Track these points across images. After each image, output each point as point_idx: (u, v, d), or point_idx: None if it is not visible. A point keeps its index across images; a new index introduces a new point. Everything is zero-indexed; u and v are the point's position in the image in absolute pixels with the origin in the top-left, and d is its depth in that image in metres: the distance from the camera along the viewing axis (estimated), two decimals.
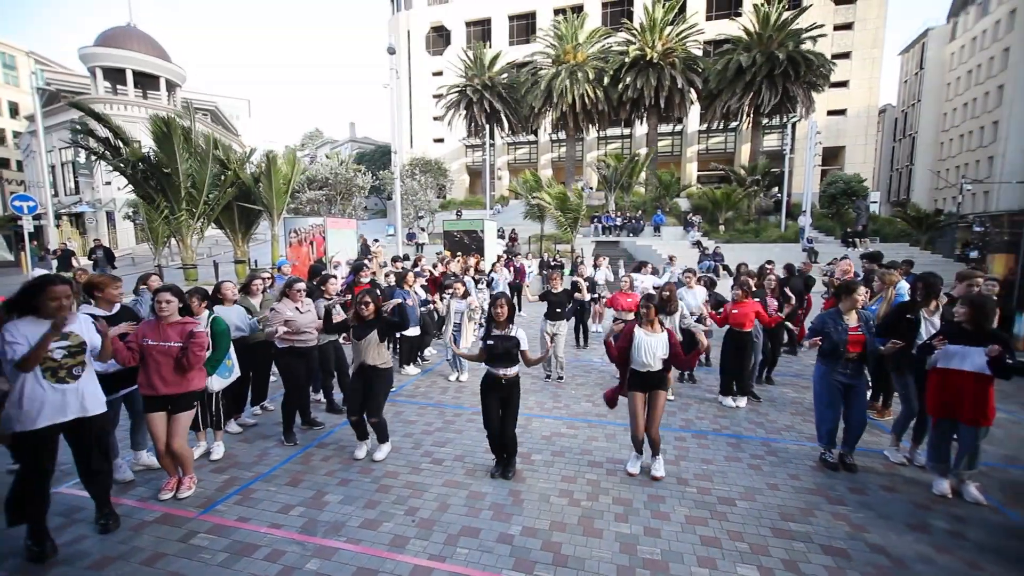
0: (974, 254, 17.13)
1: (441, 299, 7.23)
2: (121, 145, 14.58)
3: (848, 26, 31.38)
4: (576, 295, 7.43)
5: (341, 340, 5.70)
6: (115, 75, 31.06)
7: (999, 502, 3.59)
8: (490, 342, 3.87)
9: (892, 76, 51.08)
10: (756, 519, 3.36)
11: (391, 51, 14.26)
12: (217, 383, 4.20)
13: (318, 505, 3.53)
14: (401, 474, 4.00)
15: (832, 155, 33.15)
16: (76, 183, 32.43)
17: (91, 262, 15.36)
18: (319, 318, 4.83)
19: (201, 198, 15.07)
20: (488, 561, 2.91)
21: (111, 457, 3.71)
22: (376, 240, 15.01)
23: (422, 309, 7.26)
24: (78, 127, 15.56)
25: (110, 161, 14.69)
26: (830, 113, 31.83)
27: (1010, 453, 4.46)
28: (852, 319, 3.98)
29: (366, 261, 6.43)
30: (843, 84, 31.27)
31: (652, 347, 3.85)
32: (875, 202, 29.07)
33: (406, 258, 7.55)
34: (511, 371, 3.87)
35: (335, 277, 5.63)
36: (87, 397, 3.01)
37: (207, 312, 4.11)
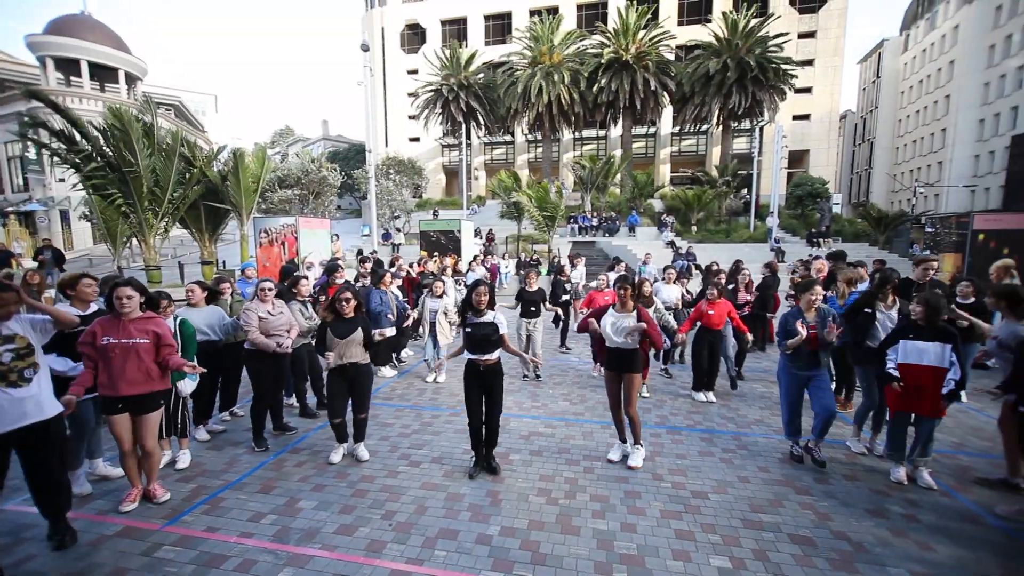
0: (927, 253, 18.10)
1: (416, 302, 7.20)
2: (79, 138, 13.80)
3: (811, 34, 32.71)
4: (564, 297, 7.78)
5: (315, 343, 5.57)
6: (68, 66, 29.40)
7: (949, 487, 3.81)
8: (468, 329, 3.89)
9: (853, 84, 53.48)
10: (728, 511, 3.46)
11: (365, 48, 14.01)
12: (188, 386, 4.07)
13: (291, 512, 3.44)
14: (378, 478, 3.94)
15: (797, 158, 34.47)
16: (25, 180, 30.59)
17: (37, 263, 14.44)
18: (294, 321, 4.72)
19: (166, 196, 14.45)
20: (467, 563, 2.90)
21: (73, 467, 3.54)
22: (336, 236, 14.66)
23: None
24: (27, 119, 14.68)
25: (63, 156, 13.89)
26: (795, 118, 33.10)
27: (959, 440, 4.73)
28: (811, 315, 4.14)
29: (336, 275, 6.22)
30: (807, 90, 32.57)
31: (621, 325, 3.98)
32: (837, 204, 30.40)
33: (373, 262, 7.29)
34: (492, 356, 3.90)
35: (307, 278, 5.50)
36: (44, 400, 2.87)
37: (173, 316, 3.97)
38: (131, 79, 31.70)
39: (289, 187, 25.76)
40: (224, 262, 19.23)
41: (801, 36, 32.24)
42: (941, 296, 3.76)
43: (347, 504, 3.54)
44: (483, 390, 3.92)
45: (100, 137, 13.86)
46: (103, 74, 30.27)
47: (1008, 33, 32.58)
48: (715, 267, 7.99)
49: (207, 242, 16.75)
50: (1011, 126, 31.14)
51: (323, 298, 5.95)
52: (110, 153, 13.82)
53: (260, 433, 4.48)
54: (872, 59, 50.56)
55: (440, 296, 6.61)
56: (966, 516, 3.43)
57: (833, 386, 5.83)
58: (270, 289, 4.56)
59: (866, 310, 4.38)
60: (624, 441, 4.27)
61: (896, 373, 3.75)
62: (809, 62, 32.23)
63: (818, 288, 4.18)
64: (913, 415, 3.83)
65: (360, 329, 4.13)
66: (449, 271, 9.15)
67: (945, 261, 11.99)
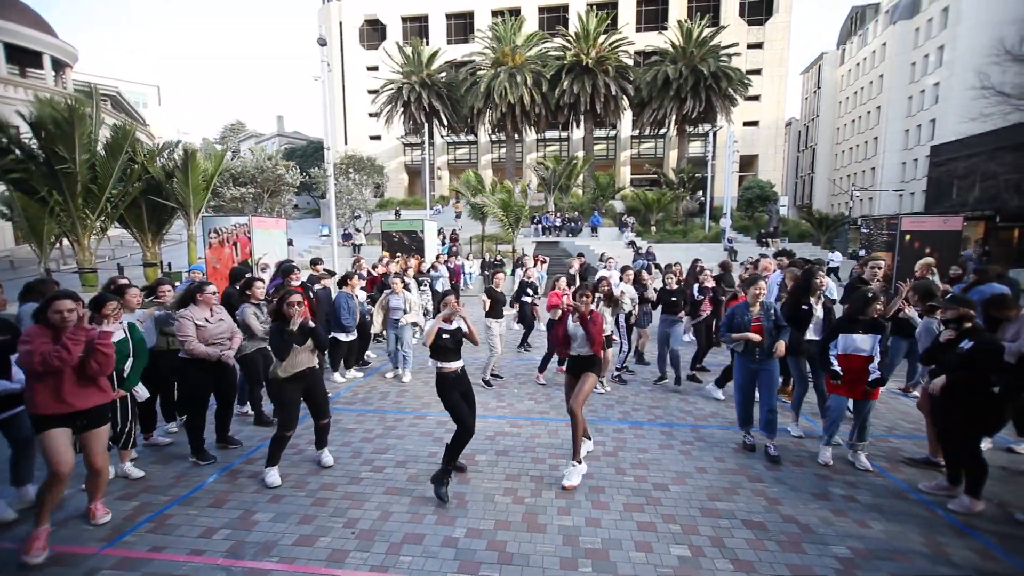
0: (862, 252, 19.51)
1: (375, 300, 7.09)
2: None
3: (759, 45, 34.55)
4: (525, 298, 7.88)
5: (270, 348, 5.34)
6: None
7: (882, 468, 4.13)
8: (445, 336, 3.81)
9: (797, 93, 57.01)
10: (687, 501, 3.60)
11: (322, 43, 13.53)
12: (144, 392, 3.85)
13: (246, 526, 3.27)
14: (339, 485, 3.82)
15: (747, 163, 36.30)
16: None
17: None
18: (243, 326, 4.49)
19: (104, 194, 13.38)
20: (432, 567, 2.86)
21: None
22: (291, 242, 14.12)
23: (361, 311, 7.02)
24: None
25: None
26: (745, 124, 34.84)
27: (890, 424, 5.14)
28: (756, 309, 4.39)
29: (292, 276, 5.95)
30: (756, 98, 34.35)
31: (580, 335, 3.98)
32: (784, 206, 32.21)
33: (321, 271, 6.91)
34: (460, 363, 3.84)
35: (261, 281, 5.26)
36: None
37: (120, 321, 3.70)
38: (59, 65, 29.24)
39: (243, 184, 24.57)
40: (170, 264, 18.10)
41: (750, 46, 34.00)
42: (867, 293, 4.06)
43: (306, 514, 3.41)
44: (463, 395, 3.84)
45: (17, 128, 12.66)
46: (23, 58, 27.67)
47: (926, 53, 35.71)
48: (677, 267, 8.29)
49: (150, 243, 15.69)
50: (930, 137, 34.08)
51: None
52: (32, 146, 12.65)
53: (200, 447, 4.20)
54: (813, 71, 54.00)
55: (399, 293, 6.51)
56: (896, 493, 3.72)
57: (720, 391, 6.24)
58: (214, 293, 4.29)
59: (803, 307, 4.69)
60: (579, 462, 3.89)
61: (838, 368, 4.02)
62: (757, 71, 34.02)
63: (762, 283, 4.45)
64: (852, 401, 4.12)
65: (311, 338, 3.93)
66: (412, 272, 9.00)
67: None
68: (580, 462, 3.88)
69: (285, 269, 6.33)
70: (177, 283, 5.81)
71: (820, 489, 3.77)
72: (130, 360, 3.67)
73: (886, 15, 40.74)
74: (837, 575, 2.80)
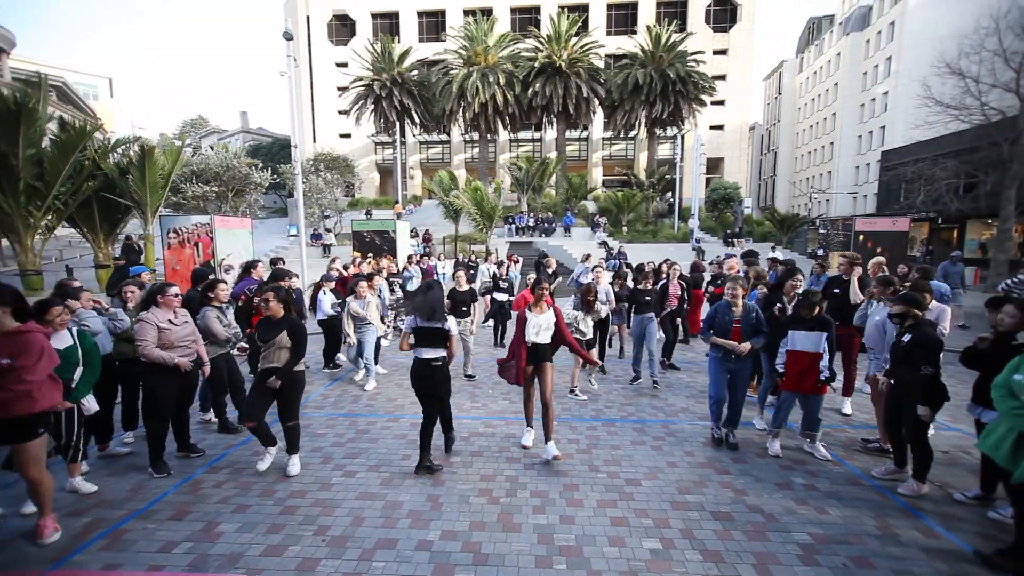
0: (820, 252, 20.49)
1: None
2: None
3: (724, 52, 35.74)
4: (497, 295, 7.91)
5: (236, 352, 5.15)
6: None
7: (840, 456, 4.34)
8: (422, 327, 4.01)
9: (760, 98, 59.29)
10: (658, 495, 3.68)
11: (288, 37, 13.12)
12: (93, 403, 3.63)
13: (210, 537, 3.14)
14: (309, 492, 3.72)
15: (714, 165, 37.49)
16: None
17: None
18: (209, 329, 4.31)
19: (51, 192, 12.53)
20: (406, 571, 2.83)
21: None
22: (279, 253, 13.64)
23: (332, 313, 6.87)
24: None
25: None
26: (712, 128, 35.97)
27: (849, 414, 5.40)
28: (737, 310, 4.44)
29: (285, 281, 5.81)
30: (721, 103, 35.51)
31: (538, 324, 4.28)
32: (748, 207, 33.44)
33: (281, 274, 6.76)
34: (440, 354, 4.02)
35: (224, 282, 5.06)
36: None
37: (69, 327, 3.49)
38: None
39: (206, 182, 23.55)
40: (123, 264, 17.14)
41: (715, 53, 35.11)
42: (815, 292, 4.28)
43: (275, 523, 3.30)
44: (433, 387, 4.04)
45: None
46: None
47: (876, 63, 37.85)
48: (651, 267, 8.48)
49: (102, 243, 14.82)
50: (881, 142, 36.09)
51: (256, 302, 5.52)
52: None
53: (160, 457, 4.01)
54: (774, 77, 56.28)
55: (363, 297, 6.41)
56: (852, 480, 3.93)
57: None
58: (177, 295, 4.10)
59: (777, 305, 4.89)
60: (531, 427, 4.54)
61: (782, 368, 4.22)
62: (722, 77, 35.17)
63: (741, 282, 4.50)
64: (801, 395, 4.28)
65: (286, 332, 3.88)
66: (384, 272, 8.85)
67: (834, 258, 13.62)
68: (551, 440, 4.24)
69: (250, 269, 6.08)
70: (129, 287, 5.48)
71: (783, 479, 3.94)
72: (79, 369, 3.46)
73: (840, 26, 42.89)
74: (799, 560, 2.93)
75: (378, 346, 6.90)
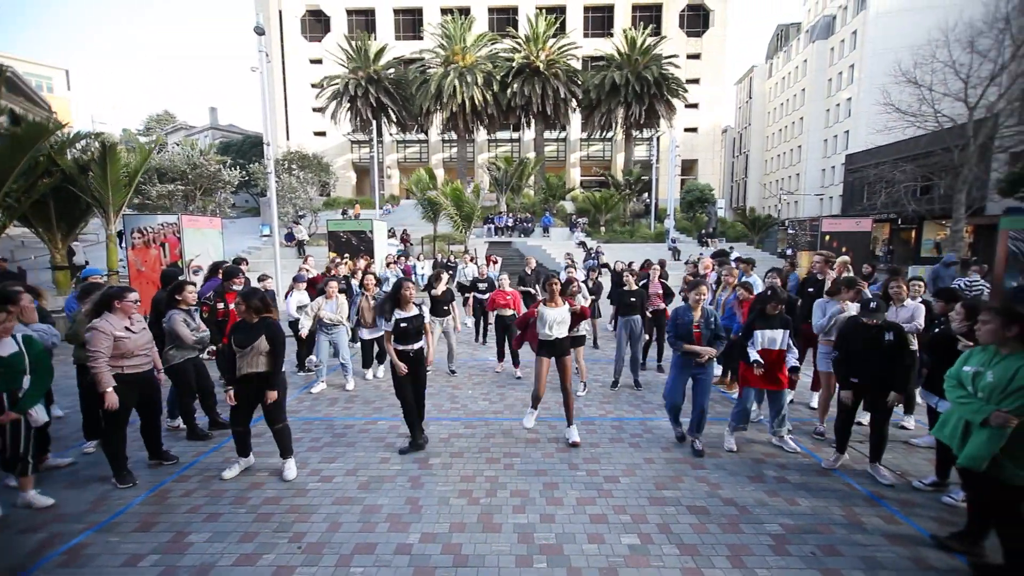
0: (789, 251, 21.22)
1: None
2: None
3: (697, 56, 36.59)
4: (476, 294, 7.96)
5: (205, 356, 4.98)
6: None
7: (808, 449, 4.51)
8: (403, 324, 4.30)
9: (732, 102, 60.92)
10: (636, 491, 3.74)
11: (259, 31, 12.75)
12: (42, 414, 3.45)
13: (178, 548, 3.03)
14: (284, 498, 3.63)
15: (688, 167, 38.33)
16: None
17: None
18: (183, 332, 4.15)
19: (1, 188, 11.81)
20: (385, 575, 2.79)
21: None
22: (252, 254, 13.22)
23: (298, 315, 6.71)
24: None
25: None
26: (686, 130, 36.78)
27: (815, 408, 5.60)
28: (697, 314, 4.43)
29: (235, 280, 5.55)
30: (695, 106, 36.35)
31: (553, 319, 4.47)
32: (721, 208, 34.38)
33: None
34: (418, 344, 4.39)
35: (193, 284, 4.89)
36: None
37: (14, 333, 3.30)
38: None
39: (172, 181, 22.67)
40: (87, 262, 16.37)
41: (689, 57, 35.91)
42: (778, 291, 4.40)
43: (248, 531, 3.21)
44: (412, 376, 4.35)
45: None
46: None
47: (840, 71, 39.45)
48: (630, 266, 8.59)
49: (59, 243, 14.10)
50: (845, 147, 37.64)
51: (220, 305, 5.34)
52: None
53: (123, 466, 3.82)
54: (745, 82, 57.94)
55: (333, 298, 6.29)
56: (821, 471, 4.07)
57: (719, 370, 6.61)
58: (136, 301, 3.87)
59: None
60: (535, 409, 4.72)
61: (760, 358, 4.27)
62: (696, 80, 36.03)
63: (703, 288, 4.48)
64: (769, 392, 4.39)
65: (264, 337, 3.76)
66: (360, 274, 8.70)
67: (803, 258, 14.12)
68: (574, 424, 4.65)
69: (228, 271, 5.80)
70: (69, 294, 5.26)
71: (755, 472, 4.06)
72: (27, 378, 3.28)
73: (806, 34, 44.51)
74: (771, 551, 3.02)
75: (369, 349, 6.87)
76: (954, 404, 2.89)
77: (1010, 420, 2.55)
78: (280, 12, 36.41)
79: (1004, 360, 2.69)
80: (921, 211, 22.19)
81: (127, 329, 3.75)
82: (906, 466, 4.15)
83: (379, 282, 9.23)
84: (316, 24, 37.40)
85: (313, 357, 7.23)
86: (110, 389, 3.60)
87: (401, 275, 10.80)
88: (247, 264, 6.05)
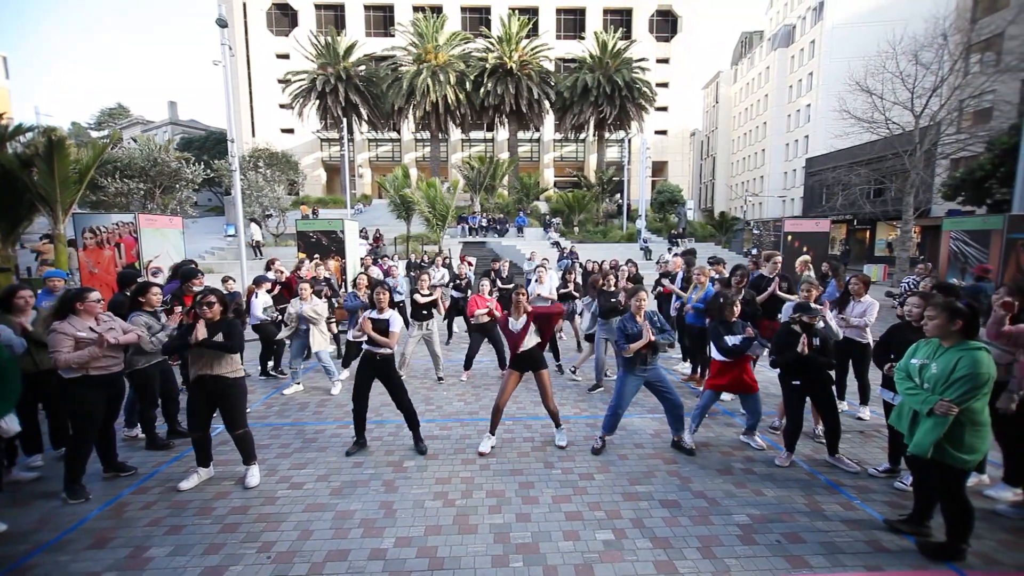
0: (754, 251, 22.03)
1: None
2: None
3: (667, 60, 37.49)
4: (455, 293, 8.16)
5: (172, 361, 4.76)
6: None
7: (773, 441, 4.68)
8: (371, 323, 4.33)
9: (700, 106, 62.64)
10: (610, 488, 3.80)
11: (222, 23, 12.26)
12: (14, 424, 3.29)
13: (137, 564, 2.89)
14: (252, 507, 3.51)
15: (659, 168, 39.20)
16: None
17: None
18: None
19: None
20: None
21: None
22: (215, 255, 12.68)
23: (264, 317, 6.52)
24: None
25: None
26: (656, 133, 37.61)
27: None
28: (640, 318, 4.36)
29: (194, 282, 5.32)
30: (664, 109, 37.22)
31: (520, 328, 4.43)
32: (691, 209, 35.33)
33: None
34: (387, 351, 4.34)
35: (159, 286, 4.67)
36: None
37: None
38: None
39: (130, 178, 21.51)
40: (29, 268, 15.38)
41: (658, 61, 36.77)
42: (729, 298, 4.59)
43: (213, 543, 3.09)
44: (380, 378, 4.35)
45: None
46: None
47: (799, 78, 41.23)
48: (609, 266, 8.71)
49: (1, 244, 13.16)
50: (805, 150, 39.39)
51: (178, 309, 5.11)
52: None
53: (78, 479, 3.60)
54: (712, 86, 59.76)
55: (307, 300, 6.17)
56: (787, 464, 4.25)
57: (690, 366, 6.79)
58: (98, 300, 3.71)
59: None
60: (493, 434, 4.49)
61: (738, 343, 4.38)
62: (665, 84, 36.89)
63: (643, 294, 4.45)
64: (741, 396, 4.58)
65: (222, 335, 3.65)
66: (334, 275, 8.51)
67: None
68: (561, 427, 4.66)
69: (186, 273, 5.58)
70: (40, 290, 4.94)
71: (724, 465, 4.19)
72: None
73: (769, 42, 46.29)
74: (739, 540, 3.13)
75: (349, 351, 6.74)
76: (903, 395, 3.07)
77: (951, 408, 2.72)
78: (244, 4, 35.15)
79: (946, 352, 2.87)
80: (875, 213, 23.45)
81: (91, 330, 3.59)
82: (862, 455, 4.37)
83: (373, 285, 9.07)
84: (283, 18, 36.29)
85: (285, 361, 7.03)
86: (99, 353, 3.54)
87: (383, 275, 10.63)
88: (201, 275, 5.75)
